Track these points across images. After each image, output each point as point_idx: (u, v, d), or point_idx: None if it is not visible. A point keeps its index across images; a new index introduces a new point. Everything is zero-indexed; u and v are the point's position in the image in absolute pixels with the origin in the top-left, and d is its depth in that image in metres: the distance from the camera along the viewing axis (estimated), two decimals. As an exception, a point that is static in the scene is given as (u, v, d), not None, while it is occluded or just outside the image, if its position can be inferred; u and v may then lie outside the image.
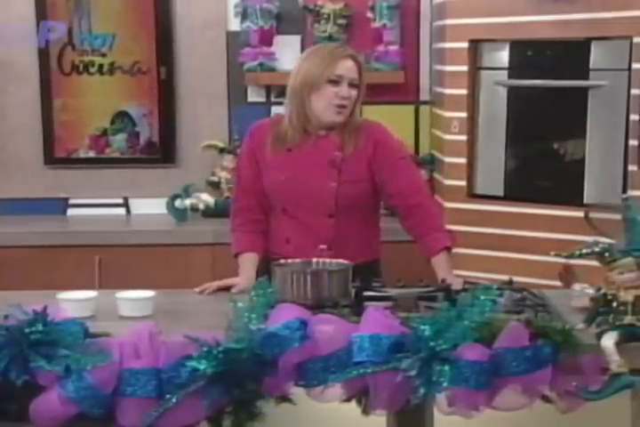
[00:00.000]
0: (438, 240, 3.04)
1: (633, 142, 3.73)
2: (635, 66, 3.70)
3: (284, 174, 3.10)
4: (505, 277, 2.80)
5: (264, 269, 2.91)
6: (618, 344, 2.20)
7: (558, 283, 2.69)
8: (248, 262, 3.08)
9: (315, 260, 2.76)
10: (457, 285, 2.73)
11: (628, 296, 2.28)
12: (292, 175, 3.10)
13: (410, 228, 3.12)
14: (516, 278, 2.81)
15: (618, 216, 2.37)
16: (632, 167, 3.74)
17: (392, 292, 2.60)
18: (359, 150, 3.10)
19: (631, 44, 3.69)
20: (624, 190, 3.74)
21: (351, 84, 3.07)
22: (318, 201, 3.10)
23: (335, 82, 3.05)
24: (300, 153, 3.11)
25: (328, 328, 2.25)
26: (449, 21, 4.20)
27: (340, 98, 3.05)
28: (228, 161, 4.62)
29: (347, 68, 3.08)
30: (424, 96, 4.75)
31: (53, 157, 4.75)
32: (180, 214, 4.65)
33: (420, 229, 3.08)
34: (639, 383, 2.19)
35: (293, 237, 3.12)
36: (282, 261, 2.74)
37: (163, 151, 4.77)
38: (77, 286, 2.81)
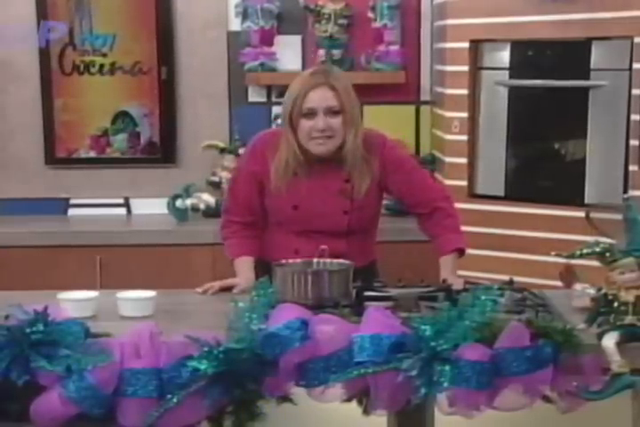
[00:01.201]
0: (450, 241, 3.04)
1: (634, 142, 3.73)
2: (635, 66, 3.70)
3: (293, 202, 3.04)
4: (505, 278, 2.80)
5: (261, 275, 2.86)
6: (619, 344, 2.20)
7: (559, 283, 2.68)
8: (244, 265, 3.05)
9: (315, 260, 2.76)
10: (458, 285, 2.73)
11: (628, 296, 2.28)
12: (301, 203, 3.03)
13: (427, 228, 3.12)
14: (516, 278, 2.81)
15: (619, 216, 2.37)
16: (633, 167, 3.74)
17: (393, 292, 2.60)
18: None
19: (632, 44, 3.69)
20: (625, 190, 3.74)
21: (330, 112, 2.93)
22: (329, 227, 3.05)
23: (309, 115, 2.93)
24: (309, 179, 3.02)
25: (329, 328, 2.25)
26: (450, 21, 4.20)
27: (316, 131, 2.93)
28: (229, 161, 4.62)
29: (318, 98, 2.91)
30: (425, 96, 4.75)
31: (54, 156, 4.74)
32: (180, 214, 4.65)
33: (435, 228, 3.08)
34: (640, 383, 2.19)
35: (303, 248, 3.01)
36: (282, 261, 2.74)
37: (163, 151, 4.77)
38: (78, 285, 2.81)
